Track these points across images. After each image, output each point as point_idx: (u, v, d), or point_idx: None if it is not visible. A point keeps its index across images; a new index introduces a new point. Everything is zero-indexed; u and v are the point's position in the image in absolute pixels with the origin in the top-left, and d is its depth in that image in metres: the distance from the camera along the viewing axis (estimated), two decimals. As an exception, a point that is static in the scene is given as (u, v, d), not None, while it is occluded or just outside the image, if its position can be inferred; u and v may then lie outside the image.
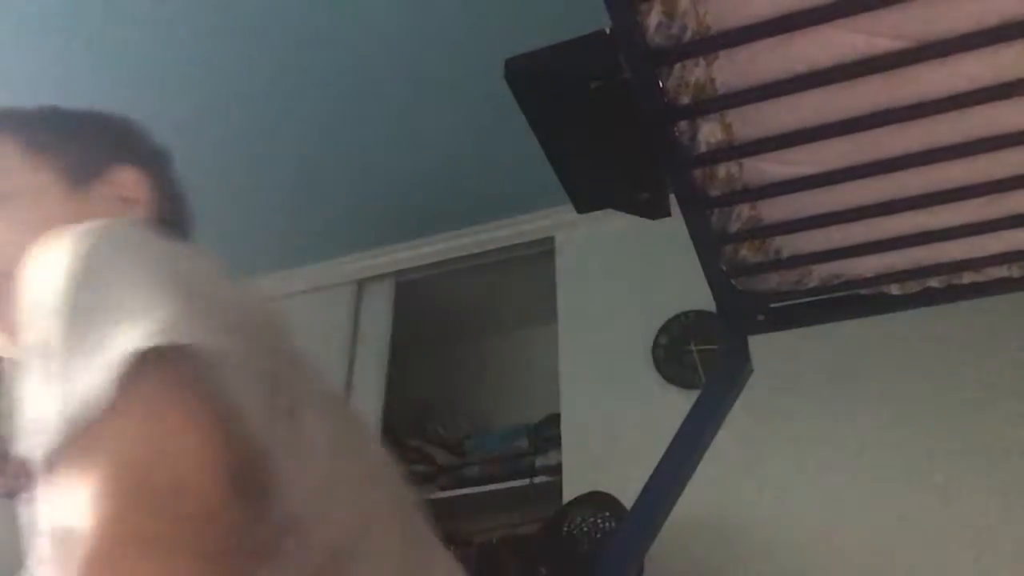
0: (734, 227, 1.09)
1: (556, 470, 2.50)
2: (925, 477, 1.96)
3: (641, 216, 1.11)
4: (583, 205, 1.15)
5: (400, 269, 3.00)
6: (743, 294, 1.21)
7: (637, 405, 2.36)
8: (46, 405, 0.49)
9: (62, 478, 0.48)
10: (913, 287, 1.18)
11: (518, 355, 3.40)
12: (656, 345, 2.42)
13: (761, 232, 1.10)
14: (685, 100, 0.92)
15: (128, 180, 0.89)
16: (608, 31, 0.87)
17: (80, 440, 0.47)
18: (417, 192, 2.70)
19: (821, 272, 1.17)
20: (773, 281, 1.19)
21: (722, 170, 1.01)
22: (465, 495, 2.80)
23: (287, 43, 2.12)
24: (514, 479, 2.72)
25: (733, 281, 1.19)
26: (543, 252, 2.81)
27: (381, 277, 3.03)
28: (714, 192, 1.03)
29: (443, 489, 2.85)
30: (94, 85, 2.26)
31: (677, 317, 2.43)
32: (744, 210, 1.07)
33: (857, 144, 0.95)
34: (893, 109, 0.90)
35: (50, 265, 0.54)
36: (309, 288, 3.07)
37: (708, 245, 1.11)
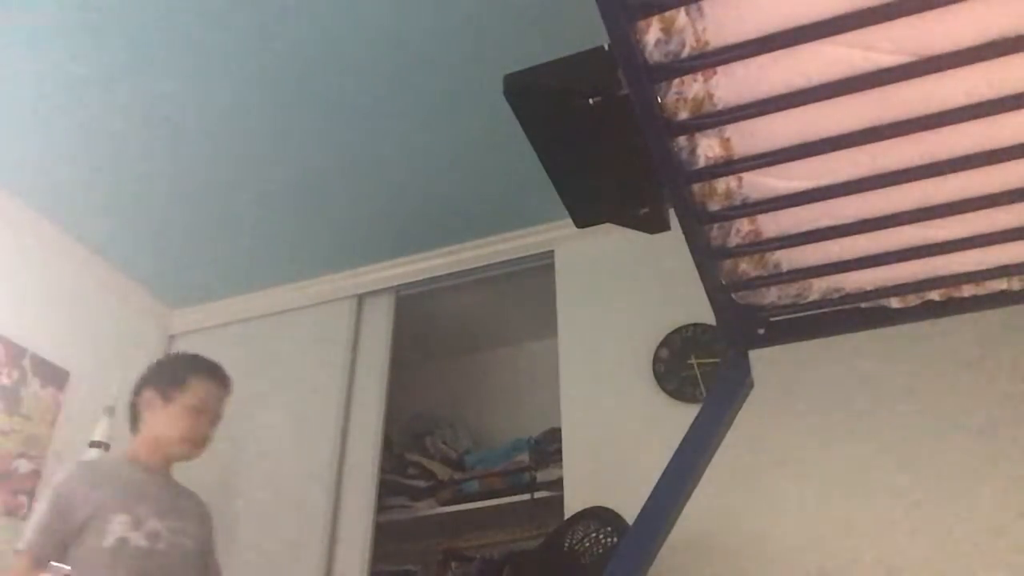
0: (733, 241, 1.09)
1: (557, 485, 2.48)
2: (930, 496, 1.95)
3: (640, 230, 1.12)
4: (582, 220, 1.15)
5: (400, 283, 3.00)
6: (743, 308, 1.21)
7: (638, 419, 2.35)
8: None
9: None
10: (913, 300, 1.18)
11: (518, 369, 3.39)
12: (656, 359, 2.42)
13: (760, 246, 1.10)
14: (683, 115, 0.92)
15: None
16: (607, 47, 0.88)
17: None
18: (417, 206, 2.71)
19: (821, 285, 1.17)
20: (773, 295, 1.19)
21: (721, 185, 1.01)
22: (466, 510, 2.78)
23: (288, 58, 2.13)
24: (515, 494, 2.70)
25: (733, 295, 1.19)
26: (543, 266, 2.81)
27: (381, 291, 3.03)
28: (713, 207, 1.03)
29: (443, 504, 2.83)
30: (94, 93, 2.27)
31: (678, 331, 2.43)
32: (743, 224, 1.07)
33: (856, 158, 0.95)
34: (891, 123, 0.90)
35: None
36: (310, 302, 3.07)
37: (708, 259, 1.11)
